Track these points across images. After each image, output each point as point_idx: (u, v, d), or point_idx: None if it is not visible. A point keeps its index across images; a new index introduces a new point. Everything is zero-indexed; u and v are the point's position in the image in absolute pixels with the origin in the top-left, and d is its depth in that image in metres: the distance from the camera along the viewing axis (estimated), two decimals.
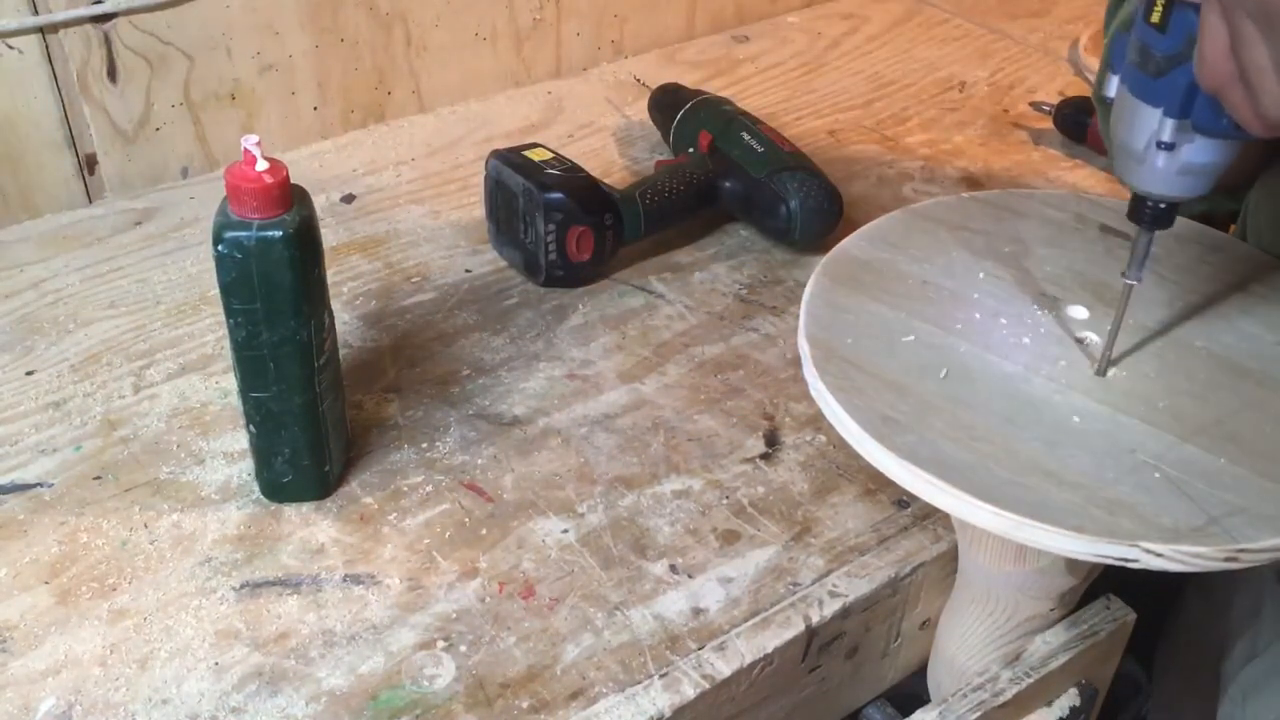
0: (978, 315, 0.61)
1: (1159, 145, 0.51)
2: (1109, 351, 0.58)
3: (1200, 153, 0.52)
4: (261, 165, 0.57)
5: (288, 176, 0.58)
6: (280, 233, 0.57)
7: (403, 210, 0.90)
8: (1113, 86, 0.53)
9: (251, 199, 0.57)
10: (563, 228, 0.78)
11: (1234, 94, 0.47)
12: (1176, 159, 0.52)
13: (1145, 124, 0.52)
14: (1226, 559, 0.49)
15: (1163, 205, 0.54)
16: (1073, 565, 0.57)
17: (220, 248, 0.57)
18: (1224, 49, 0.46)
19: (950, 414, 0.54)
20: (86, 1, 0.82)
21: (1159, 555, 0.48)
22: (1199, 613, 0.82)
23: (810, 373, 0.57)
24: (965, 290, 0.63)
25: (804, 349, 0.58)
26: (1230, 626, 0.75)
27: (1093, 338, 0.60)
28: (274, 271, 0.57)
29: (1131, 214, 0.55)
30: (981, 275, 0.64)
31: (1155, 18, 0.49)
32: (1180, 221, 0.67)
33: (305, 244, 0.58)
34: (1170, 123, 0.51)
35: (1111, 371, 0.58)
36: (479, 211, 0.86)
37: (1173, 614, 0.85)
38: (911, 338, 0.59)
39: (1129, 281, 0.56)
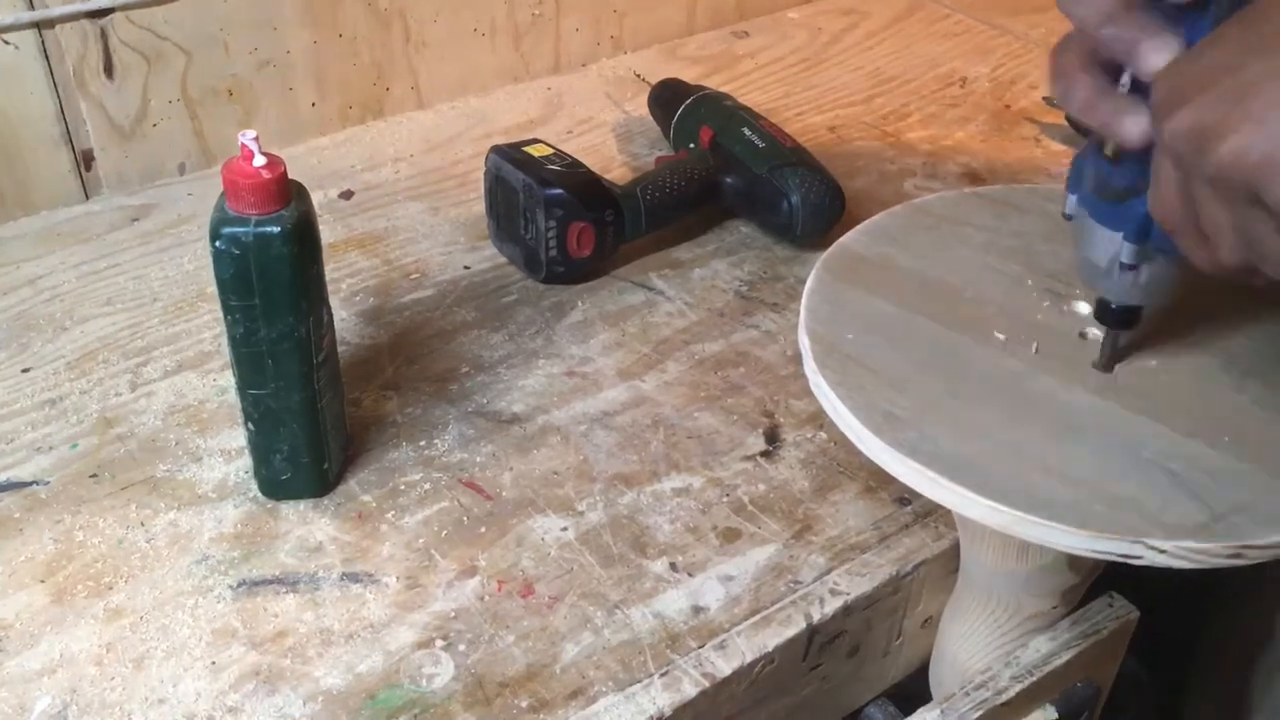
0: (979, 311, 0.61)
1: (1121, 266, 0.52)
2: (1105, 360, 0.58)
3: (1163, 268, 0.52)
4: (259, 160, 0.56)
5: (285, 172, 0.57)
6: (278, 228, 0.56)
7: (401, 206, 0.89)
8: (1071, 205, 0.54)
9: (249, 194, 0.56)
10: (563, 224, 0.78)
11: (1188, 239, 0.47)
12: (1140, 275, 0.53)
13: (1106, 246, 0.52)
14: (1231, 555, 0.48)
15: (1129, 308, 0.55)
16: (1075, 562, 0.56)
17: (218, 243, 0.57)
18: (1177, 196, 0.46)
19: (952, 410, 0.54)
20: None
21: (1163, 552, 0.48)
22: (1241, 605, 0.82)
23: (810, 368, 0.57)
24: (967, 286, 0.62)
25: (804, 344, 0.58)
26: (1272, 616, 0.75)
27: (1096, 333, 0.59)
28: (272, 267, 0.57)
29: (1098, 315, 0.56)
30: (984, 271, 0.63)
31: (1109, 151, 0.50)
32: None
33: (304, 240, 0.58)
34: (1130, 246, 0.51)
35: (1116, 367, 0.57)
36: (478, 208, 0.86)
37: (1215, 611, 0.85)
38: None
39: (1097, 368, 0.57)
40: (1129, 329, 0.56)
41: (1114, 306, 0.55)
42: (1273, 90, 0.41)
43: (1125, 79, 0.48)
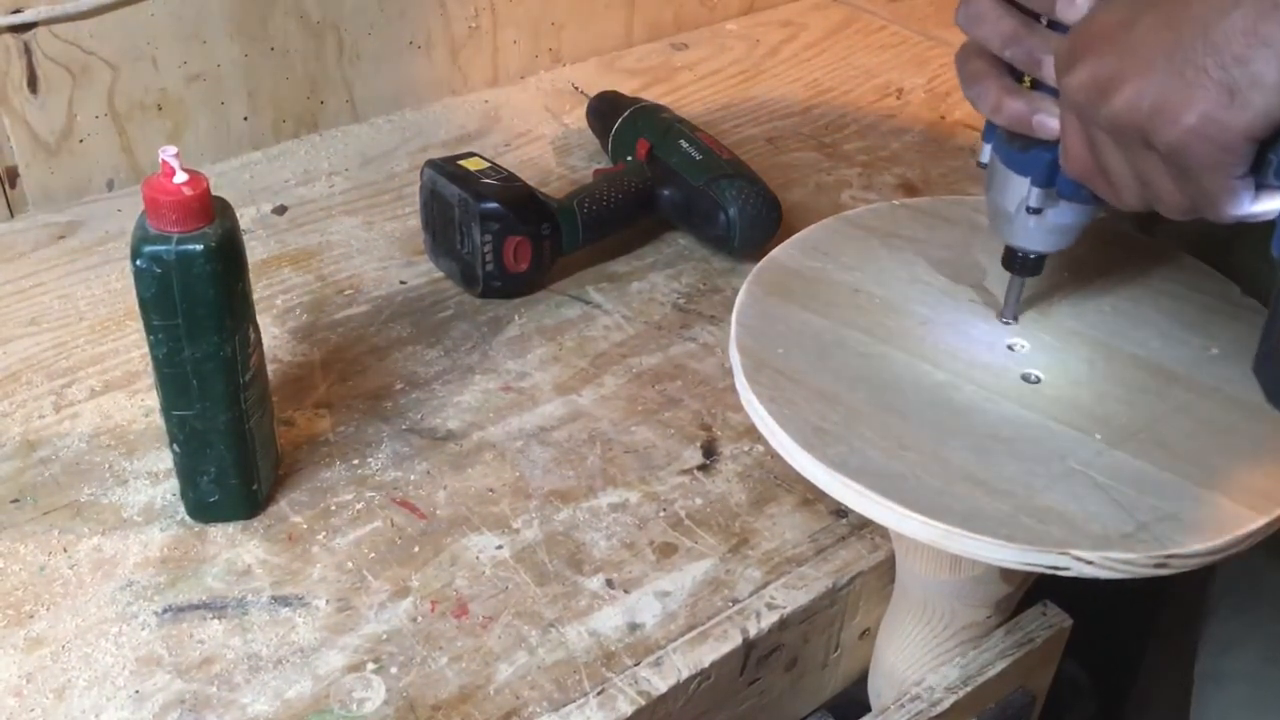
0: (908, 323, 0.61)
1: (1028, 210, 0.56)
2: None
3: (1065, 215, 0.56)
4: (180, 177, 0.55)
5: (208, 188, 0.56)
6: (201, 246, 0.56)
7: (336, 221, 0.88)
8: (986, 154, 0.58)
9: (170, 212, 0.55)
10: (499, 238, 0.77)
11: (1098, 183, 0.51)
12: (1044, 221, 0.56)
13: (1015, 191, 0.56)
14: (1156, 565, 0.49)
15: (1032, 255, 0.58)
16: (1007, 573, 0.57)
17: (139, 262, 0.55)
18: (1082, 145, 0.50)
19: (881, 423, 0.54)
20: (5, 10, 0.80)
21: (1089, 563, 0.48)
22: (1181, 608, 0.83)
23: (741, 383, 0.57)
24: (895, 298, 0.62)
25: (735, 359, 0.58)
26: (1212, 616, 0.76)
27: (1022, 344, 0.60)
28: (195, 286, 0.56)
29: (1005, 263, 0.59)
30: (912, 283, 0.64)
31: (1011, 143, 0.55)
32: (1107, 227, 0.67)
33: (227, 257, 0.57)
34: (1037, 191, 0.55)
35: (1042, 378, 0.58)
36: (414, 222, 0.85)
37: (1156, 615, 0.86)
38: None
39: (1004, 320, 0.61)
40: (1033, 275, 0.59)
41: (1019, 254, 0.58)
42: (1161, 40, 0.44)
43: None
